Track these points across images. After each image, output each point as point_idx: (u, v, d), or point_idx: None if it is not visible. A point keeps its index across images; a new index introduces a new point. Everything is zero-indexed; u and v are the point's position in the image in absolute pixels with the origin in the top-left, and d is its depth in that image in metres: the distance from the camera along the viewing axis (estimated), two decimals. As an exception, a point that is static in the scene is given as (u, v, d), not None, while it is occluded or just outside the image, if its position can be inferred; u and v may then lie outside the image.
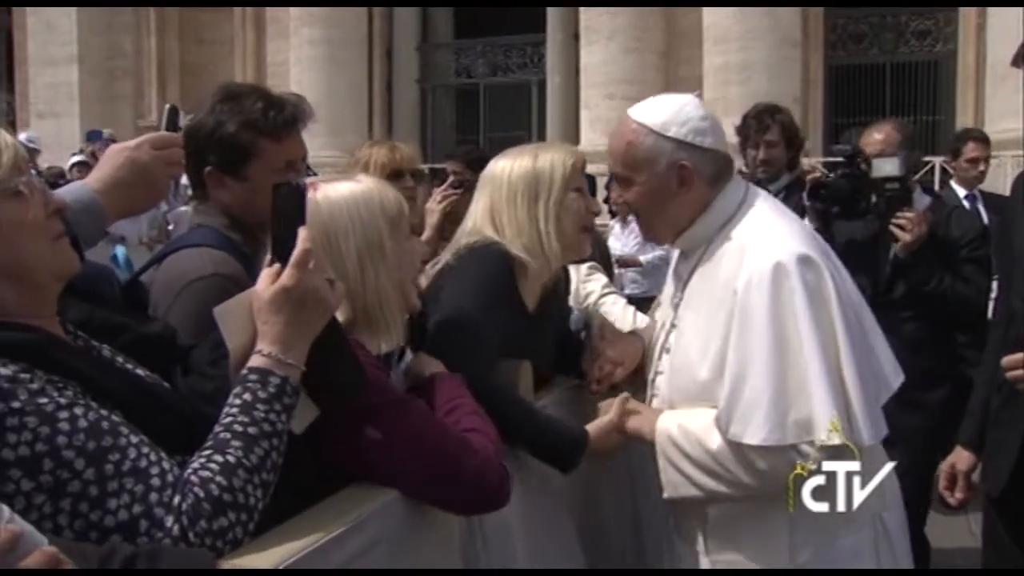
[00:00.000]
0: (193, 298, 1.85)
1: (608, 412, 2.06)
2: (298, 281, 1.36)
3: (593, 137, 16.15)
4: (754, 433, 1.78)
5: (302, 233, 1.39)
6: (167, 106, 1.91)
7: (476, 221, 2.12)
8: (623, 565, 2.39)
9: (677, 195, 1.99)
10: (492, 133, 17.73)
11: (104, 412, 1.23)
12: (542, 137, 15.82)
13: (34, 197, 1.27)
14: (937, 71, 16.42)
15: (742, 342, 1.84)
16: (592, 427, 2.02)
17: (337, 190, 1.62)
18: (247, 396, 1.31)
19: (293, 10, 18.57)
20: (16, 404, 1.15)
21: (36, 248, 1.27)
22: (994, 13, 14.16)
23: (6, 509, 1.01)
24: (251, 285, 1.69)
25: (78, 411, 1.19)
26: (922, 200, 3.55)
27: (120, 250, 5.80)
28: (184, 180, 9.36)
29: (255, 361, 1.35)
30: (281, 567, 1.20)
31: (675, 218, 2.04)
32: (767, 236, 1.93)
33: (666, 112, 2.00)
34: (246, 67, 20.19)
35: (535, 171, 2.08)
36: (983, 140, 5.77)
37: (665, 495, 1.97)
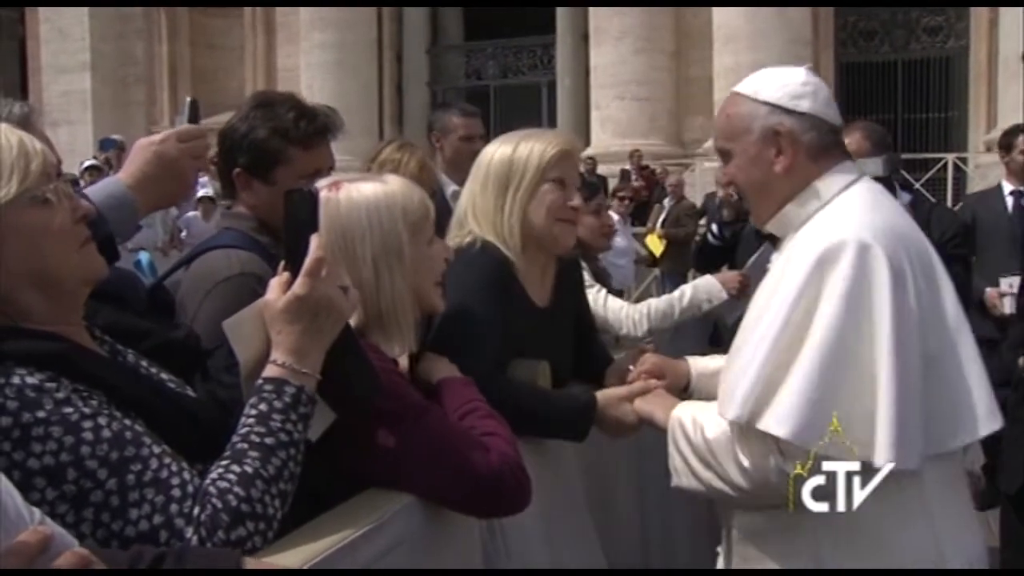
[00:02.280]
0: (221, 298, 1.89)
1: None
2: (311, 290, 1.34)
3: (604, 138, 16.17)
4: (730, 410, 1.66)
5: (314, 241, 1.37)
6: (188, 99, 1.93)
7: (460, 212, 2.09)
8: (633, 562, 2.39)
9: (774, 164, 1.82)
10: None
11: (127, 422, 1.23)
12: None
13: (61, 204, 1.28)
14: (949, 67, 16.35)
15: (759, 324, 1.71)
16: (601, 394, 2.01)
17: (360, 191, 1.61)
18: (263, 406, 1.30)
19: (303, 15, 18.65)
20: (41, 414, 1.16)
21: (63, 255, 1.28)
22: (1007, 8, 14.08)
23: (37, 512, 1.02)
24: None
25: (102, 421, 1.20)
26: (902, 198, 3.57)
27: (144, 256, 5.90)
28: (200, 188, 9.40)
29: (270, 371, 1.34)
30: (307, 566, 1.22)
31: (776, 194, 1.86)
32: (836, 220, 1.75)
33: (764, 78, 1.88)
34: (256, 72, 20.27)
35: (511, 160, 2.04)
36: None
37: (672, 483, 1.88)
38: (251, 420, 1.29)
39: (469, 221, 2.05)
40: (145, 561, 1.07)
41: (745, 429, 1.70)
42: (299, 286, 1.34)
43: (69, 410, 1.18)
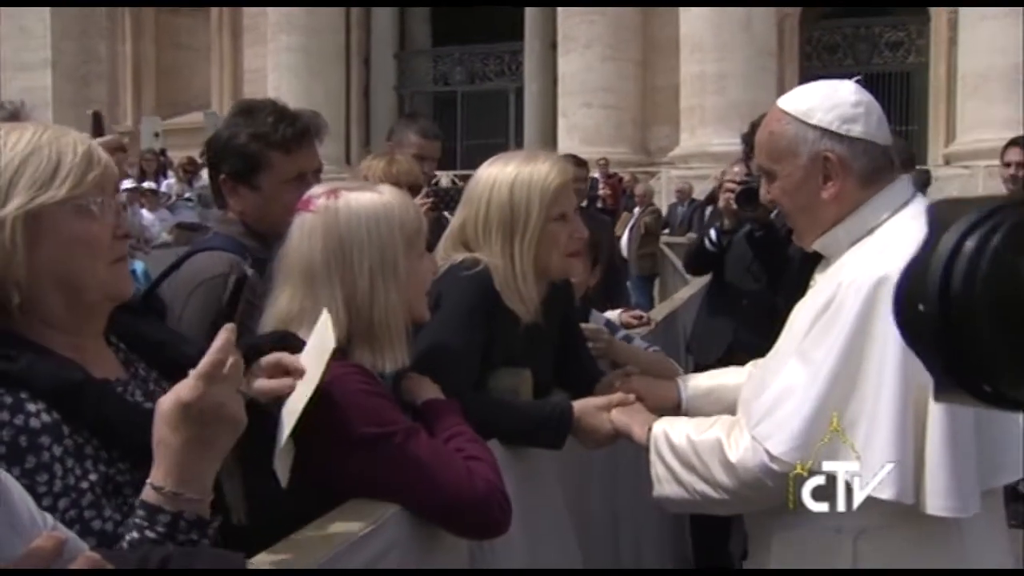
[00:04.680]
0: (204, 296, 1.98)
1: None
2: (200, 395, 1.13)
3: (570, 145, 16.23)
4: (775, 444, 1.65)
5: (223, 334, 1.16)
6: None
7: (455, 234, 2.05)
8: (606, 562, 2.43)
9: (822, 191, 1.76)
10: (470, 140, 17.78)
11: (86, 514, 1.18)
12: (520, 145, 15.85)
13: (105, 218, 1.27)
14: (909, 82, 16.68)
15: (809, 353, 1.67)
16: (578, 403, 2.00)
17: (359, 200, 1.60)
18: (134, 534, 1.15)
19: (271, 17, 18.56)
20: (16, 471, 1.13)
21: (92, 267, 1.27)
22: (964, 26, 14.43)
23: (50, 517, 1.04)
24: (260, 286, 1.72)
25: (61, 505, 1.16)
26: None
27: (139, 265, 5.85)
28: (163, 188, 9.29)
29: (146, 493, 1.16)
30: (313, 568, 1.23)
31: (822, 219, 1.80)
32: (887, 251, 1.67)
33: (814, 97, 1.79)
34: (223, 73, 20.13)
35: (510, 203, 1.97)
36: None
37: (654, 493, 1.87)
38: (125, 546, 1.16)
39: (478, 249, 2.00)
40: (152, 562, 1.08)
41: (731, 428, 1.73)
42: (186, 389, 1.14)
43: (42, 479, 1.16)
